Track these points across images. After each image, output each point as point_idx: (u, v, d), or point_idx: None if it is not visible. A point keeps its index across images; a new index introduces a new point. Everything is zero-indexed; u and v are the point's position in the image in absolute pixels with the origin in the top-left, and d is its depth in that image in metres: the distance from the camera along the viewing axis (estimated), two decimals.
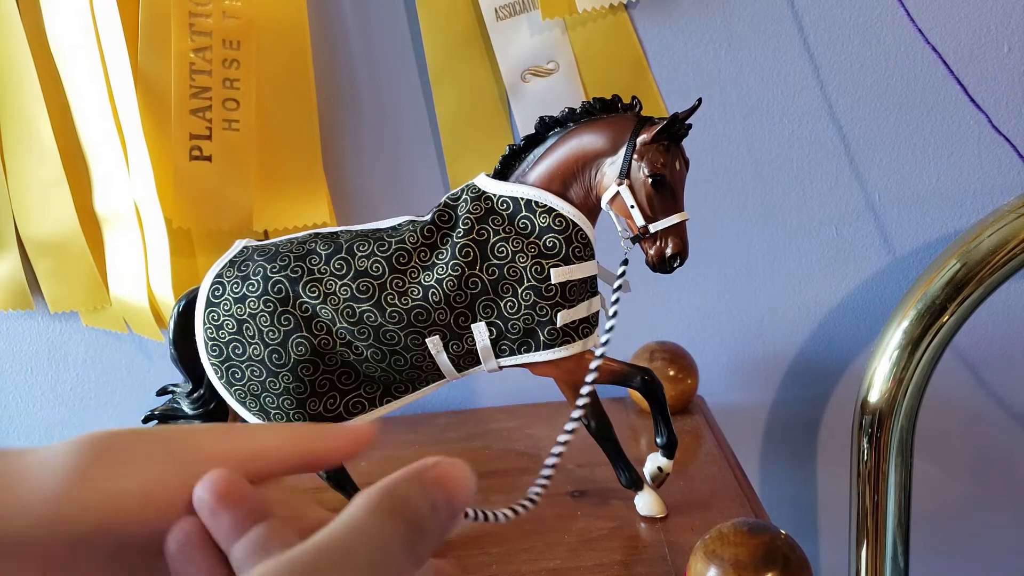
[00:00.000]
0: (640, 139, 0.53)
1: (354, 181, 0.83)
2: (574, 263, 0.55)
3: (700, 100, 0.52)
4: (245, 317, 0.55)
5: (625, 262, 0.54)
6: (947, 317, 0.66)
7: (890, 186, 0.83)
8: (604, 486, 0.65)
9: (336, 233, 0.57)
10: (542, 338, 0.56)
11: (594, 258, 0.56)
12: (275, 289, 0.55)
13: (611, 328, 0.51)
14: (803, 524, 0.95)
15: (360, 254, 0.55)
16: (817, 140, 0.82)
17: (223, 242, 0.67)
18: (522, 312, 0.55)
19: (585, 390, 0.50)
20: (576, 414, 0.46)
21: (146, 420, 0.62)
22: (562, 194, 0.55)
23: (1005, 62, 0.79)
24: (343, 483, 0.60)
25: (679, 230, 0.53)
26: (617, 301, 0.52)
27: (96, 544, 0.23)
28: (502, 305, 0.55)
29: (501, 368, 0.58)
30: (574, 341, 0.56)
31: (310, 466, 0.27)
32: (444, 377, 0.58)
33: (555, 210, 0.55)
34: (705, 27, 0.79)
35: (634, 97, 0.55)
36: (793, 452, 0.92)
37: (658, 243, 0.53)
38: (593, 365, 0.51)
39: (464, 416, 0.84)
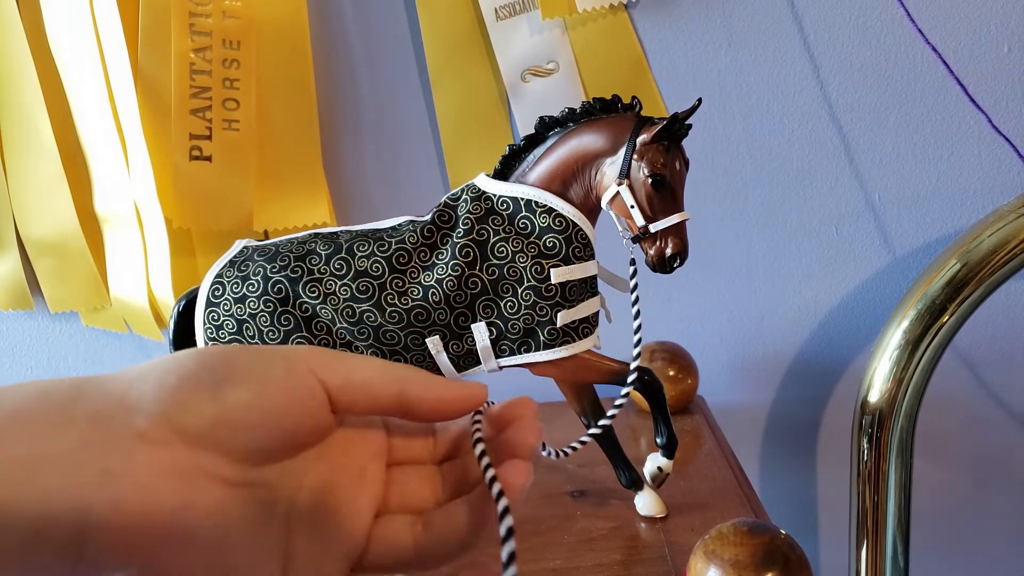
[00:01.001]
0: (640, 139, 0.53)
1: (354, 181, 0.83)
2: (574, 263, 0.55)
3: (700, 100, 0.52)
4: (245, 317, 0.55)
5: (633, 262, 0.54)
6: (947, 317, 0.66)
7: (890, 186, 0.83)
8: (604, 486, 0.65)
9: (336, 233, 0.57)
10: (542, 338, 0.56)
11: (594, 258, 0.56)
12: (275, 289, 0.55)
13: (639, 328, 0.53)
14: (803, 524, 0.95)
15: (360, 254, 0.55)
16: (817, 140, 0.82)
17: (223, 242, 0.67)
18: (522, 312, 0.55)
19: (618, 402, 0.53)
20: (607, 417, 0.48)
21: None
22: (562, 194, 0.55)
23: (1005, 62, 0.79)
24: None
25: (679, 230, 0.53)
26: (637, 301, 0.53)
27: (217, 443, 0.24)
28: (502, 305, 0.55)
29: (501, 368, 0.58)
30: (574, 341, 0.56)
31: (404, 413, 0.27)
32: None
33: (555, 210, 0.55)
34: (705, 27, 0.79)
35: (634, 97, 0.55)
36: (793, 452, 0.92)
37: (658, 243, 0.53)
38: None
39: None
